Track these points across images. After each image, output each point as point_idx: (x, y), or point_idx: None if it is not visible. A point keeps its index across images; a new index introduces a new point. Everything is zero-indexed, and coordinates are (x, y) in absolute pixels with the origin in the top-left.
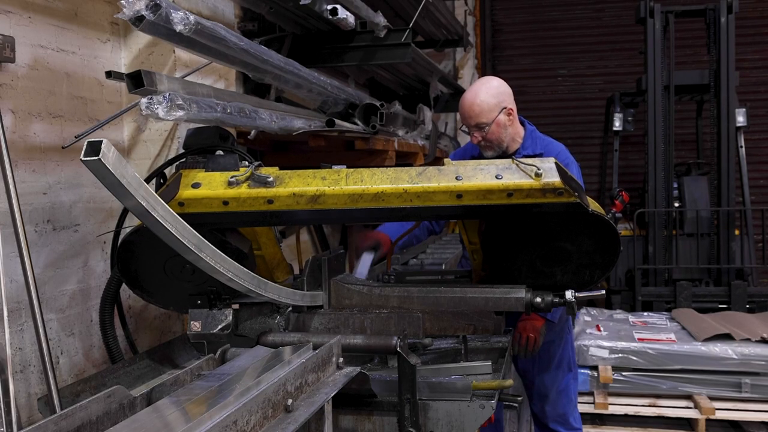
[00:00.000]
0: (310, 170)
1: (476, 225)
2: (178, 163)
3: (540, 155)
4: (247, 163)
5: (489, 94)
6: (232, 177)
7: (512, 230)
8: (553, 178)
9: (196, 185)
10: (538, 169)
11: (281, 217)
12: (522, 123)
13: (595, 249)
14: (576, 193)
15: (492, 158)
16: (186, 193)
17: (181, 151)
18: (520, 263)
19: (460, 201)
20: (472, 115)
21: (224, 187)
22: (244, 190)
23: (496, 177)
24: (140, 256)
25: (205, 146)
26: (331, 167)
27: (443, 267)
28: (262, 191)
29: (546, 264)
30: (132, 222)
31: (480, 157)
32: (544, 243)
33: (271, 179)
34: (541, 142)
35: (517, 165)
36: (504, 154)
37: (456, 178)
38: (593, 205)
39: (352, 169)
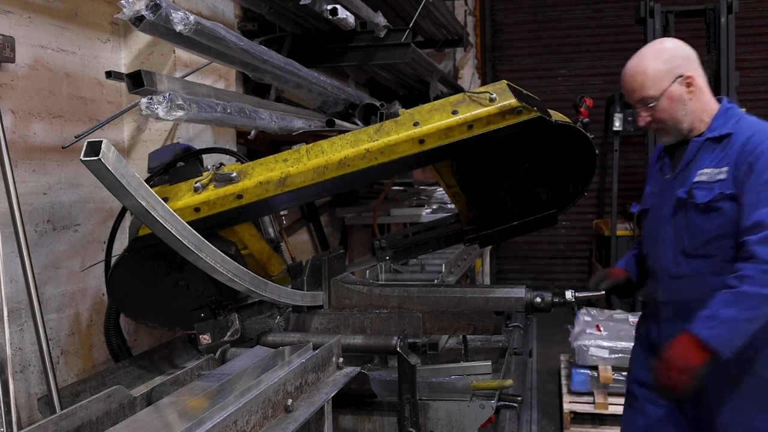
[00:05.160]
0: (271, 156)
1: (448, 166)
2: None
3: (728, 135)
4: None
5: (658, 58)
6: (196, 183)
7: (484, 161)
8: (507, 99)
9: (164, 200)
10: (491, 95)
11: (255, 209)
12: (719, 101)
13: (571, 159)
14: (535, 108)
15: (669, 144)
16: None
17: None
18: (503, 192)
19: (423, 146)
20: (634, 87)
21: (191, 195)
22: (211, 192)
23: (453, 113)
24: (131, 286)
25: (167, 163)
26: (290, 147)
27: (443, 266)
28: (229, 188)
29: (528, 186)
30: (127, 223)
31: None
32: (519, 166)
33: (234, 175)
34: (737, 120)
35: (469, 97)
36: (685, 140)
37: (414, 125)
38: (557, 116)
39: (311, 144)
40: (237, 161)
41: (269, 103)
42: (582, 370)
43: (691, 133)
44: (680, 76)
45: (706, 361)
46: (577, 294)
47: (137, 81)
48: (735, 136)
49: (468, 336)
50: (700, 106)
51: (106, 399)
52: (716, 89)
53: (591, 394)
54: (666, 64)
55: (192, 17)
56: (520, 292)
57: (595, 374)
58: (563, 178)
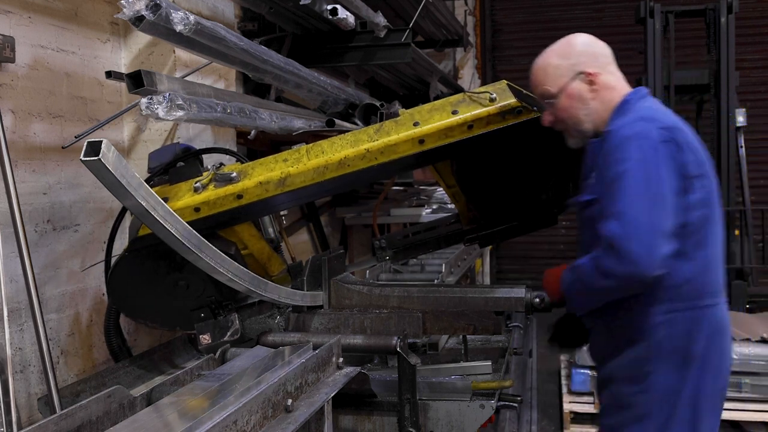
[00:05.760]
0: (271, 156)
1: (448, 166)
2: None
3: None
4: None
5: (562, 54)
6: (196, 183)
7: (484, 161)
8: (507, 99)
9: (164, 200)
10: (491, 95)
11: (255, 209)
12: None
13: (571, 159)
14: (535, 108)
15: (576, 147)
16: None
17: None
18: (502, 192)
19: (423, 146)
20: (536, 82)
21: (191, 195)
22: (211, 192)
23: (453, 113)
24: (131, 286)
25: (167, 163)
26: (290, 147)
27: (443, 266)
28: (229, 188)
29: (528, 186)
30: (127, 223)
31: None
32: (519, 165)
33: (234, 175)
34: (626, 115)
35: (469, 97)
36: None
37: (414, 125)
38: None
39: (311, 144)
40: (237, 161)
41: (269, 103)
42: (582, 370)
43: (599, 132)
44: (581, 73)
45: (559, 298)
46: None
47: (137, 81)
48: (611, 132)
49: (468, 336)
50: (604, 106)
51: (106, 399)
52: (716, 89)
53: (591, 394)
54: (568, 59)
55: (192, 17)
56: (520, 292)
57: (595, 374)
58: (563, 178)
